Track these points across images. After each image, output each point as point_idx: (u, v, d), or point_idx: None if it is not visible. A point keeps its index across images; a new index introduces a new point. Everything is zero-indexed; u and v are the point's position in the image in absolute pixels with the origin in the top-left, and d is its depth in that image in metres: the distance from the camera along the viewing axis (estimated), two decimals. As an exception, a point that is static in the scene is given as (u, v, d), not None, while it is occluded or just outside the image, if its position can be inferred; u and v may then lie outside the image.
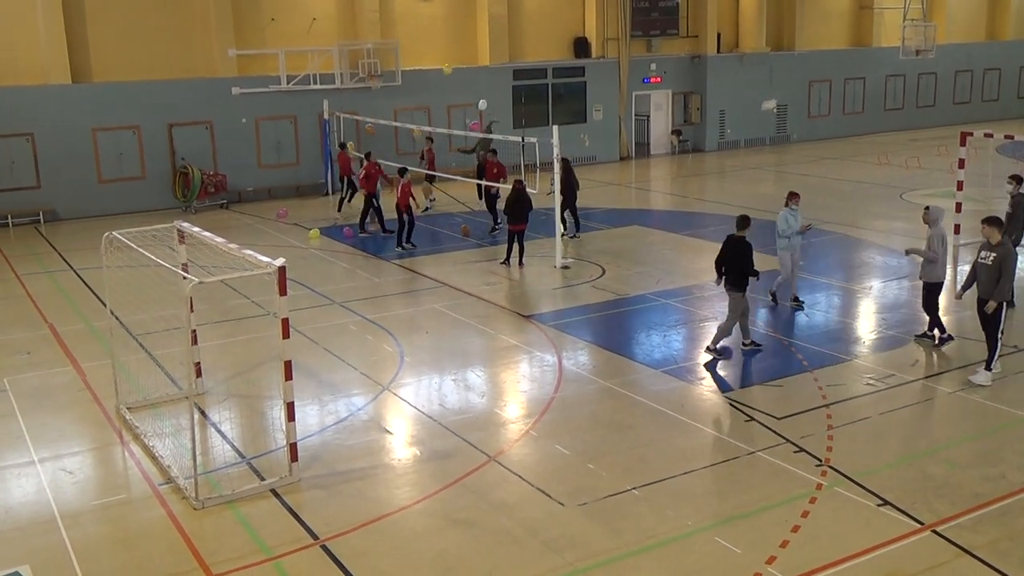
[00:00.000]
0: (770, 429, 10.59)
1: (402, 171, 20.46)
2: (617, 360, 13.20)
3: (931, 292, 13.05)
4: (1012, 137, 18.96)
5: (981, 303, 11.69)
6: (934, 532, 8.35)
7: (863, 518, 8.61)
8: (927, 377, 12.15)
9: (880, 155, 32.93)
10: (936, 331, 13.10)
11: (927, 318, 13.26)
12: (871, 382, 11.95)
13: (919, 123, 40.94)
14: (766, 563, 7.93)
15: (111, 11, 25.82)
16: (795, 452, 9.98)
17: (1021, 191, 16.27)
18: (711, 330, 14.44)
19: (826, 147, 35.97)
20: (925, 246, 12.99)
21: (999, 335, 11.63)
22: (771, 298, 15.31)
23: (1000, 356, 11.76)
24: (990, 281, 11.51)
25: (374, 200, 21.95)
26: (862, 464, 9.66)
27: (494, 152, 22.16)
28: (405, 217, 20.14)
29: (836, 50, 38.69)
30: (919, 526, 8.45)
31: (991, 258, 11.53)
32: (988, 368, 11.67)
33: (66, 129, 25.23)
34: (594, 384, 12.31)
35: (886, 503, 8.85)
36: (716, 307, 15.48)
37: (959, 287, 12.45)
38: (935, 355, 12.94)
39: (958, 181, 18.80)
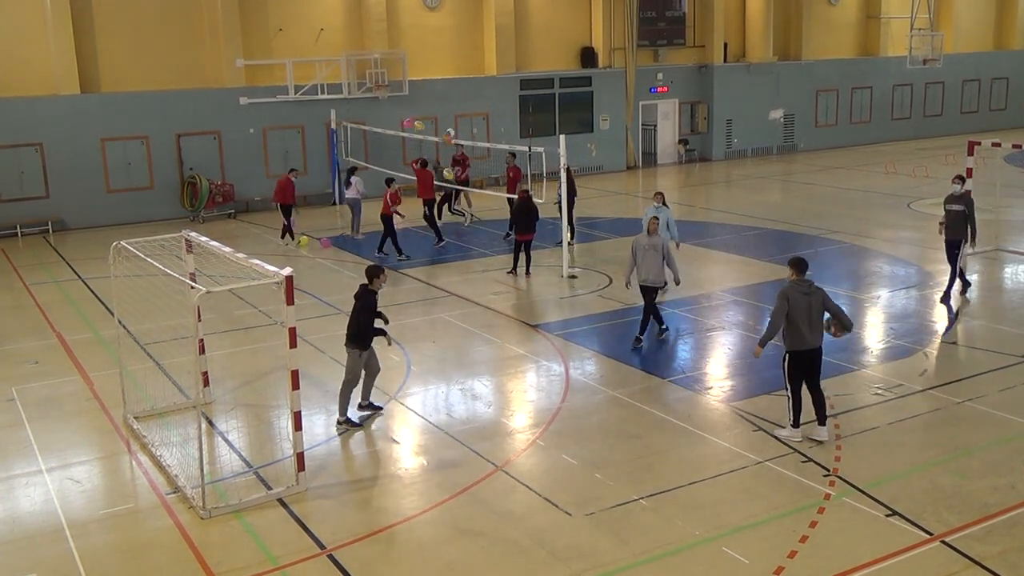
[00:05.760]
0: (777, 439, 10.55)
1: (388, 181, 20.83)
2: (624, 369, 13.18)
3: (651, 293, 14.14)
4: (1020, 146, 18.92)
5: None
6: (943, 543, 8.31)
7: (872, 528, 8.58)
8: (936, 387, 12.10)
9: (887, 164, 32.89)
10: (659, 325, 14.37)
11: (929, 326, 13.55)
12: (879, 392, 11.91)
13: (926, 132, 40.91)
14: (774, 573, 7.90)
15: (120, 22, 25.96)
16: (803, 462, 9.94)
17: (967, 190, 16.03)
18: (719, 339, 14.45)
19: (833, 156, 35.95)
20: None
21: (787, 387, 10.48)
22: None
23: (996, 370, 11.59)
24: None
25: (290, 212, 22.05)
26: (870, 474, 9.62)
27: (513, 156, 22.26)
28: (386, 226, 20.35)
29: (843, 59, 38.70)
30: (928, 536, 8.41)
31: None
32: (793, 424, 10.48)
33: (75, 139, 25.35)
34: (601, 394, 12.29)
35: (895, 513, 8.81)
36: (723, 316, 15.47)
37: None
38: (943, 365, 12.91)
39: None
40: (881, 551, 8.18)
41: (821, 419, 10.45)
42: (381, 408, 11.79)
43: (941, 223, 16.05)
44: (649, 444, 10.62)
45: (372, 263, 11.81)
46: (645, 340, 14.09)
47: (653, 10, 33.68)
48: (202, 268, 12.36)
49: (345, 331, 11.42)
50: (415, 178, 22.35)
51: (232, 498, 9.50)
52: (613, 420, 11.38)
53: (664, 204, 16.69)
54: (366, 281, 11.35)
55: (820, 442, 10.30)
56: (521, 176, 21.95)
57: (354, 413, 11.51)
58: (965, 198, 15.76)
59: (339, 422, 11.33)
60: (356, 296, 11.35)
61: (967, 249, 15.90)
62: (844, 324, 10.39)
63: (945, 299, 15.74)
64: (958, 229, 15.65)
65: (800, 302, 10.20)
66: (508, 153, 22.57)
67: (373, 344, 11.39)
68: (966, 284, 16.14)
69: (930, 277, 17.49)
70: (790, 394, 10.47)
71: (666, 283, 14.97)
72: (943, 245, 16.13)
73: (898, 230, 21.96)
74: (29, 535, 9.05)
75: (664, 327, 14.38)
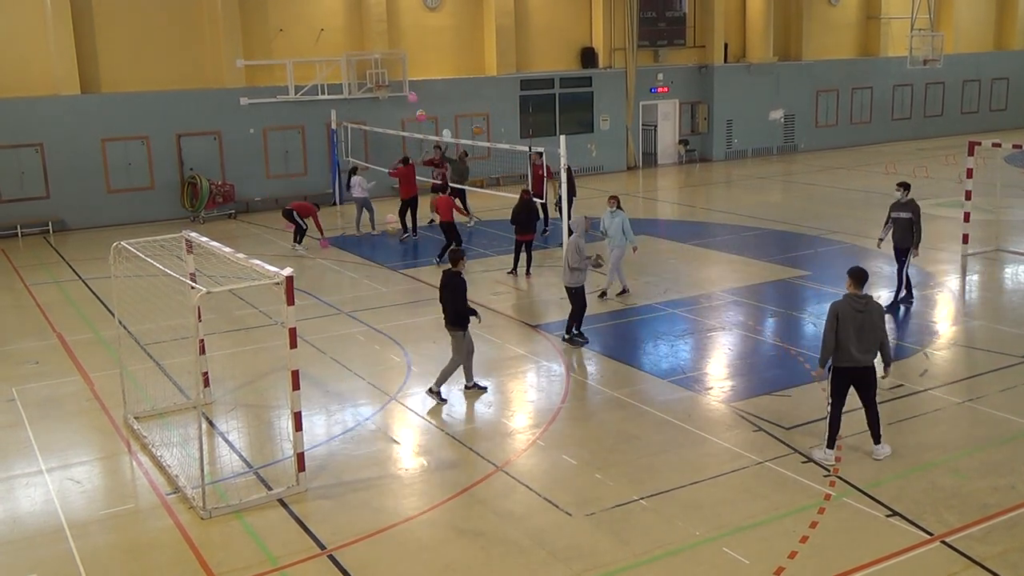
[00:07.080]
0: (778, 439, 10.56)
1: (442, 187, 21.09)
2: (624, 370, 13.18)
3: (575, 295, 14.20)
4: (1020, 147, 18.93)
5: None
6: (943, 543, 8.32)
7: (872, 529, 8.58)
8: (936, 387, 12.11)
9: (888, 165, 32.89)
10: (575, 331, 14.31)
11: (929, 326, 13.60)
12: (879, 392, 11.88)
13: (926, 133, 40.91)
14: (774, 574, 7.90)
15: (120, 22, 25.96)
16: (803, 462, 9.95)
17: (911, 197, 15.54)
18: (719, 340, 14.45)
19: (833, 156, 35.95)
20: (583, 253, 14.17)
21: (827, 404, 10.08)
22: (600, 294, 16.66)
23: (996, 370, 11.56)
24: None
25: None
26: (871, 475, 9.62)
27: (540, 154, 21.77)
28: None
29: (843, 60, 38.68)
30: (928, 537, 8.42)
31: None
32: (828, 445, 10.02)
33: (75, 139, 25.34)
34: (601, 394, 12.29)
35: (895, 514, 8.82)
36: (723, 317, 15.47)
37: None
38: (943, 365, 12.91)
39: (966, 191, 18.79)
40: (881, 551, 8.18)
41: (876, 437, 10.00)
42: (485, 388, 12.43)
43: (880, 239, 15.88)
44: (649, 444, 10.62)
45: (453, 248, 12.40)
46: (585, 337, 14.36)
47: (653, 10, 33.67)
48: (202, 268, 12.37)
49: (443, 316, 12.23)
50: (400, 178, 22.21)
51: (232, 498, 9.50)
52: (613, 420, 11.39)
53: (619, 208, 16.66)
54: (449, 266, 12.15)
55: (879, 460, 9.92)
56: (551, 175, 20.97)
57: (442, 390, 12.21)
58: (911, 205, 15.40)
59: (429, 391, 12.20)
60: (443, 283, 12.12)
61: (911, 256, 15.48)
62: (885, 357, 9.93)
63: (892, 307, 15.44)
64: (906, 236, 15.33)
65: (851, 318, 9.64)
66: (534, 152, 21.86)
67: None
68: (910, 295, 15.73)
69: (930, 277, 17.50)
70: (828, 412, 9.98)
71: (605, 292, 16.50)
72: (923, 251, 15.74)
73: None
74: (29, 535, 9.06)
75: (569, 336, 14.34)
